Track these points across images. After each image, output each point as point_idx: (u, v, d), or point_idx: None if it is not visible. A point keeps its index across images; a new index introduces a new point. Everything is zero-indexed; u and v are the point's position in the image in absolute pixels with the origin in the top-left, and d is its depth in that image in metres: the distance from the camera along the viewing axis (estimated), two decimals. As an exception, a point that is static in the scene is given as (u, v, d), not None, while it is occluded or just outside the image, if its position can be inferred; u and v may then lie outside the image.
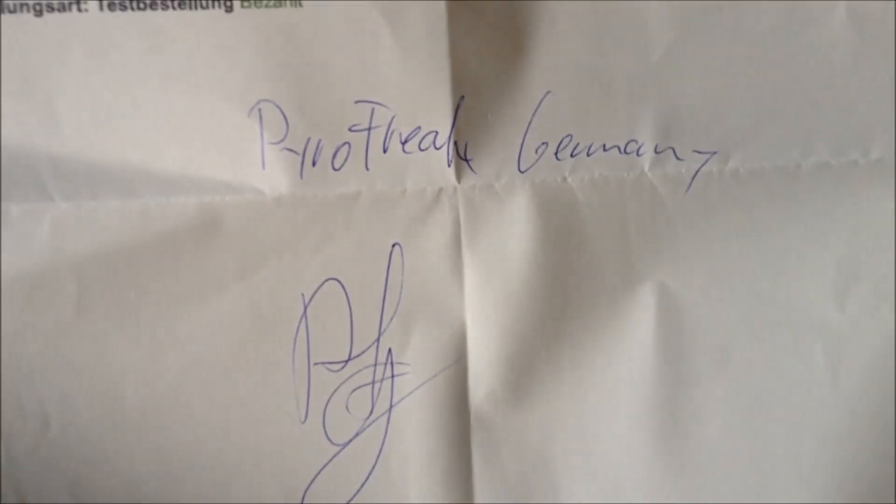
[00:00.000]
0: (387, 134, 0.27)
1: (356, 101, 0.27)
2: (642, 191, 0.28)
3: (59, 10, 0.25)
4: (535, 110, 0.27)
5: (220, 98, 0.26)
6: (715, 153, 0.27)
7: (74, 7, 0.25)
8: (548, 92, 0.27)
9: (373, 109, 0.27)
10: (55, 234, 0.26)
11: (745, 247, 0.28)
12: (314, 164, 0.27)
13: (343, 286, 0.27)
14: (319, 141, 0.27)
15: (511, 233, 0.28)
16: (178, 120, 0.26)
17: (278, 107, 0.27)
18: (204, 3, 0.25)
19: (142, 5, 0.25)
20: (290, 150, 0.27)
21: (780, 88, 0.27)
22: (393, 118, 0.27)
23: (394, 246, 0.27)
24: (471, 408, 0.28)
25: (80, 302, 0.27)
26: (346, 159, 0.27)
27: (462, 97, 0.27)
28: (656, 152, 0.27)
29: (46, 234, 0.26)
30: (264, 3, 0.26)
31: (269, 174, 0.27)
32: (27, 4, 0.25)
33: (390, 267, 0.27)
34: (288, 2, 0.26)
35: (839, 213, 0.28)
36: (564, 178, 0.28)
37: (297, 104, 0.27)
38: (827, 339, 0.28)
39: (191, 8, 0.25)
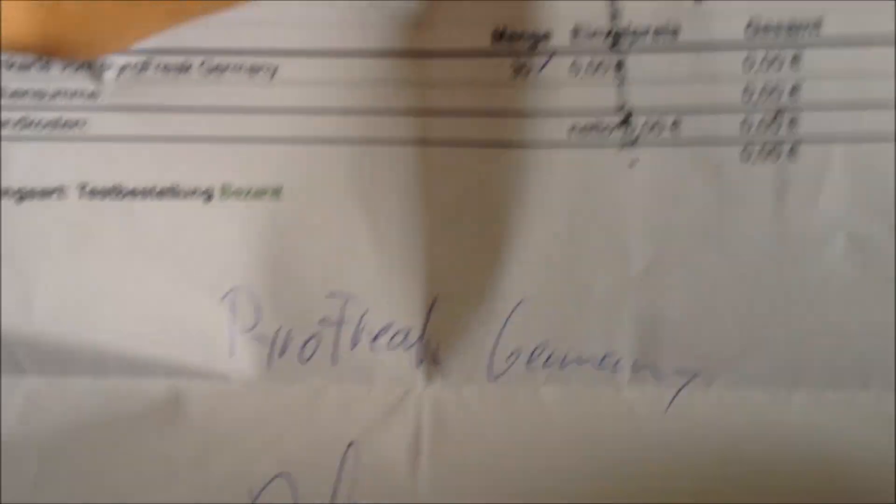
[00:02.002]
0: (357, 329, 0.27)
1: (328, 294, 0.26)
2: (618, 409, 0.26)
3: (39, 198, 0.25)
4: (508, 317, 0.26)
5: (194, 285, 0.26)
6: (697, 374, 0.26)
7: (55, 195, 0.25)
8: (521, 300, 0.26)
9: (345, 303, 0.26)
10: (26, 407, 0.27)
11: (728, 477, 0.26)
12: (282, 354, 0.27)
13: (292, 484, 0.26)
14: (289, 331, 0.27)
15: (476, 442, 0.27)
16: (152, 305, 0.26)
17: (251, 295, 0.26)
18: (184, 192, 0.26)
19: (121, 194, 0.25)
20: (260, 339, 0.27)
21: (770, 316, 0.25)
22: (364, 313, 0.27)
23: (350, 445, 0.26)
24: None
25: (38, 478, 0.27)
26: (314, 352, 0.27)
27: (436, 297, 0.26)
28: (634, 370, 0.26)
29: (19, 407, 0.27)
30: (243, 194, 0.26)
31: (237, 361, 0.27)
32: (8, 192, 0.25)
33: (343, 466, 0.26)
34: (266, 194, 0.26)
35: (833, 447, 0.26)
36: (536, 390, 0.26)
37: (269, 293, 0.27)
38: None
39: (170, 197, 0.26)
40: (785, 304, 0.25)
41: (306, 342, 0.27)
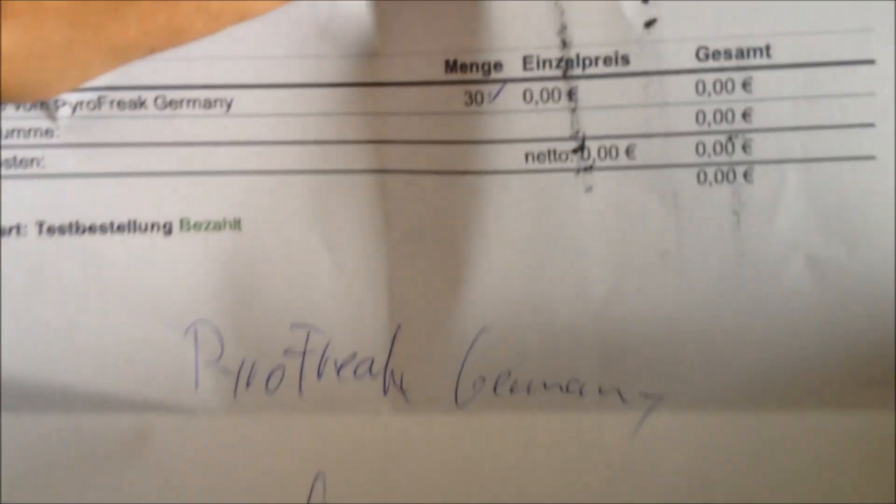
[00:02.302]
0: (322, 359, 0.27)
1: (292, 325, 0.26)
2: (586, 433, 0.26)
3: (-2, 236, 0.25)
4: (472, 345, 0.26)
5: (156, 319, 0.26)
6: (662, 398, 0.26)
7: (13, 233, 0.25)
8: (484, 327, 0.26)
9: (308, 334, 0.26)
10: None
11: (698, 499, 0.26)
12: (248, 385, 0.27)
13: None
14: (254, 363, 0.27)
15: (444, 470, 0.26)
16: (115, 341, 0.26)
17: (214, 327, 0.26)
18: (143, 227, 0.26)
19: (80, 230, 0.25)
20: (225, 371, 0.27)
21: (732, 337, 0.25)
22: (328, 343, 0.26)
23: (318, 475, 0.26)
24: None
25: (4, 515, 0.27)
26: (280, 383, 0.27)
27: (399, 325, 0.26)
28: (600, 393, 0.26)
29: None
30: (203, 227, 0.26)
31: (203, 394, 0.27)
32: (-33, 232, 0.25)
33: (312, 497, 0.26)
34: (227, 226, 0.26)
35: (803, 468, 0.26)
36: (503, 416, 0.27)
37: (233, 325, 0.26)
38: None
39: (129, 231, 0.26)
40: (747, 326, 0.25)
41: (271, 373, 0.27)
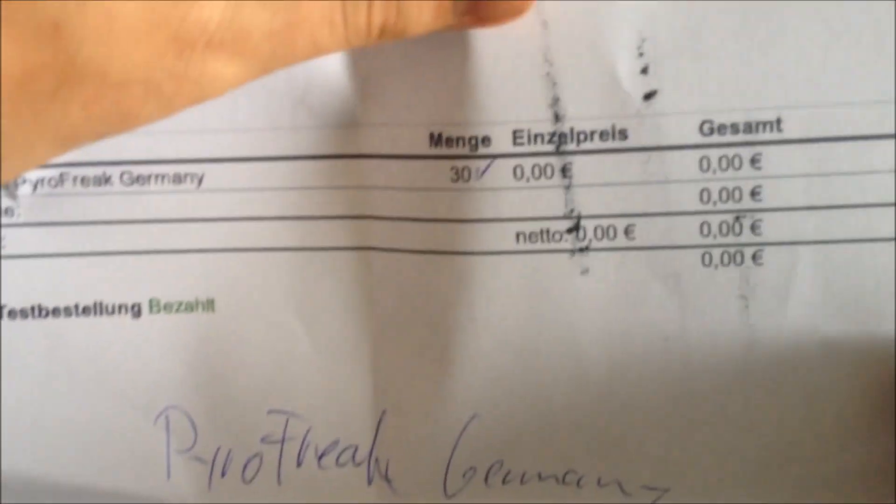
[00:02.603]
0: (302, 447, 0.25)
1: (269, 411, 0.25)
2: (584, 526, 0.24)
3: (-41, 325, 0.24)
4: (462, 432, 0.24)
5: (126, 405, 0.25)
6: (667, 490, 0.24)
7: (-25, 320, 0.24)
8: (475, 414, 0.24)
9: (287, 420, 0.25)
10: None
11: None
12: (223, 474, 0.25)
13: None
14: (230, 451, 0.25)
15: (431, 567, 0.25)
16: (82, 428, 0.25)
17: (186, 414, 0.25)
18: (109, 309, 0.24)
19: (43, 313, 0.24)
20: (198, 460, 0.25)
21: (743, 428, 0.23)
22: (309, 430, 0.25)
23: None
24: None
25: None
26: (257, 472, 0.25)
27: (384, 411, 0.25)
28: (600, 485, 0.24)
29: None
30: (174, 308, 0.24)
31: (175, 485, 0.25)
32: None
33: None
34: (200, 307, 0.24)
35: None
36: (495, 507, 0.25)
37: (206, 411, 0.25)
38: None
39: (95, 314, 0.24)
40: (758, 416, 0.23)
41: (248, 462, 0.25)
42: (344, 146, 0.24)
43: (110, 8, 0.17)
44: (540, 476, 0.25)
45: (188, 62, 0.18)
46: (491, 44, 0.22)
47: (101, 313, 0.24)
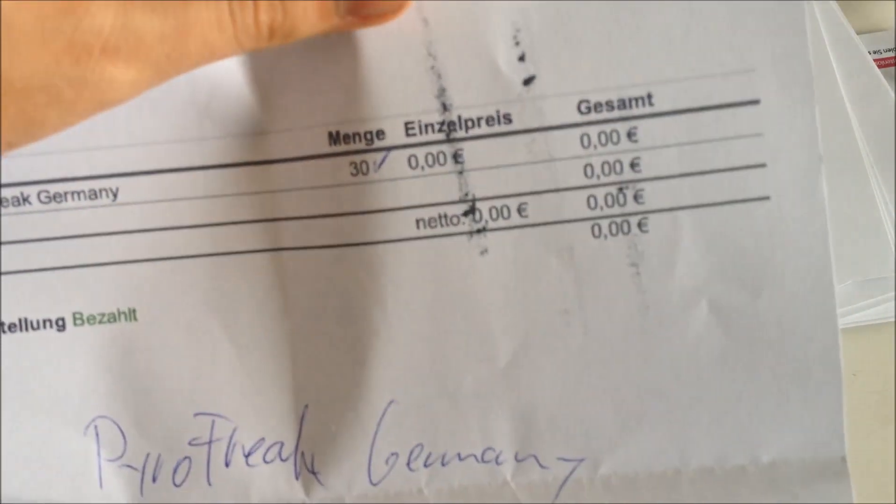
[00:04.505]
0: (229, 447, 0.26)
1: (195, 414, 0.25)
2: (506, 502, 0.25)
3: None
4: (380, 420, 0.25)
5: (55, 418, 0.25)
6: (582, 460, 0.25)
7: None
8: (391, 401, 0.25)
9: (213, 422, 0.25)
10: None
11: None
12: (154, 480, 0.26)
13: None
14: (159, 456, 0.26)
15: (361, 553, 0.25)
16: (13, 442, 0.25)
17: (115, 423, 0.25)
18: (35, 324, 0.25)
19: (-32, 333, 0.25)
20: (129, 467, 0.26)
21: (645, 391, 0.24)
22: (235, 430, 0.26)
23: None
24: None
25: None
26: (187, 474, 0.26)
27: (306, 406, 0.25)
28: (517, 460, 0.25)
29: None
30: (98, 319, 0.25)
31: (108, 493, 0.26)
32: None
33: None
34: (122, 317, 0.25)
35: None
36: (420, 490, 0.25)
37: (134, 419, 0.26)
38: None
39: (21, 330, 0.25)
40: (657, 379, 0.24)
41: (178, 465, 0.26)
42: (249, 153, 0.25)
43: (7, 16, 0.18)
44: (460, 456, 0.25)
45: (85, 68, 0.19)
46: (377, 43, 0.23)
47: (26, 329, 0.25)
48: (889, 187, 0.37)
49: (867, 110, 0.38)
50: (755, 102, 0.23)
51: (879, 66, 0.40)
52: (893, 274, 0.35)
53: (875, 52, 0.43)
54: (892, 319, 0.36)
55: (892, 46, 0.43)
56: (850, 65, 0.39)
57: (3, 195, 0.25)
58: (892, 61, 0.43)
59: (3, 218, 0.25)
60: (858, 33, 0.40)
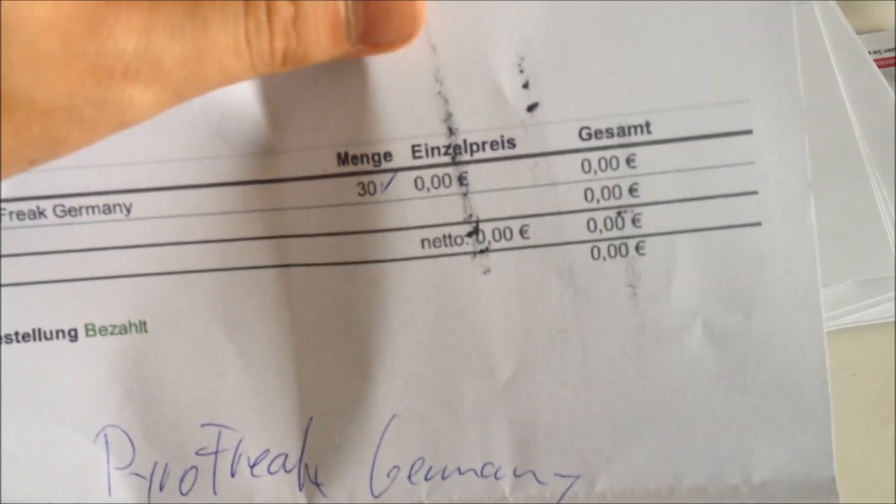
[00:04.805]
0: (234, 457, 0.26)
1: (202, 425, 0.26)
2: (504, 518, 0.26)
3: None
4: (383, 434, 0.26)
5: (66, 426, 0.26)
6: (578, 476, 0.26)
7: None
8: (394, 415, 0.26)
9: (219, 433, 0.26)
10: None
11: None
12: (161, 488, 0.26)
13: None
14: (167, 465, 0.26)
15: (361, 564, 0.26)
16: (25, 450, 0.26)
17: (124, 432, 0.26)
18: (47, 335, 0.26)
19: (-18, 342, 0.25)
20: (137, 475, 0.26)
21: (640, 409, 0.25)
22: (240, 441, 0.26)
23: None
24: None
25: None
26: (193, 484, 0.26)
27: (311, 418, 0.26)
28: (516, 475, 0.26)
29: None
30: (109, 331, 0.26)
31: (116, 500, 0.26)
32: None
33: None
34: (133, 329, 0.26)
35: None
36: (421, 503, 0.26)
37: (143, 429, 0.26)
38: None
39: (34, 340, 0.25)
40: (652, 397, 0.25)
41: (184, 475, 0.26)
42: (260, 172, 0.26)
43: (33, 40, 0.19)
44: (459, 470, 0.26)
45: (107, 90, 0.20)
46: (386, 69, 0.24)
47: (39, 339, 0.26)
48: (889, 187, 0.37)
49: (867, 110, 0.38)
50: (748, 132, 0.24)
51: (879, 66, 0.40)
52: (893, 274, 0.35)
53: (875, 52, 0.43)
54: (892, 319, 0.37)
55: (892, 46, 0.44)
56: (850, 65, 0.39)
57: (21, 209, 0.25)
58: (892, 61, 0.43)
59: (20, 231, 0.25)
60: (858, 33, 0.40)
